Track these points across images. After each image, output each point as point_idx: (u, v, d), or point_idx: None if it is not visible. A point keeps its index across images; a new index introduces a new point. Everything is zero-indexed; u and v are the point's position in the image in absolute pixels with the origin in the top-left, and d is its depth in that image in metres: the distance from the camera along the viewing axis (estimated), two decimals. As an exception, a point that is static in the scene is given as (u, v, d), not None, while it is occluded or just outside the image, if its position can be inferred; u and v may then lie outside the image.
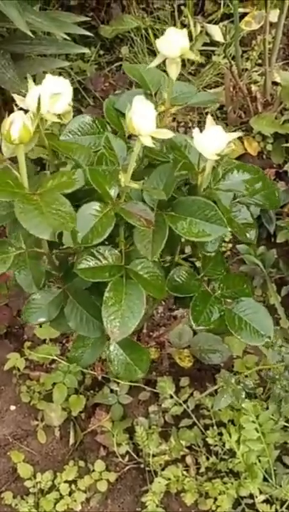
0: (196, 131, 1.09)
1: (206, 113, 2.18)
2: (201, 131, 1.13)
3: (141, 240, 1.18)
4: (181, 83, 1.35)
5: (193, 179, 1.21)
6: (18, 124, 1.00)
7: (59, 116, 1.22)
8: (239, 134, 1.17)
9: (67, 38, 1.84)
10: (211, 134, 1.08)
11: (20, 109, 1.07)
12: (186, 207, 1.18)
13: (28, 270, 1.24)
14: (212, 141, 1.08)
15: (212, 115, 2.19)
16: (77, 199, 1.17)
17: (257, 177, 1.23)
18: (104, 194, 1.14)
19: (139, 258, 1.23)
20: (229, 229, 1.17)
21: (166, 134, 1.09)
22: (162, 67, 1.24)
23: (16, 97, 1.13)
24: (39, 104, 1.05)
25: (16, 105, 1.10)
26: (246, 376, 1.67)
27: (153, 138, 1.08)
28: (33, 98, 1.09)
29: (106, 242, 1.23)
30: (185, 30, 1.17)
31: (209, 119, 1.11)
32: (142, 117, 1.05)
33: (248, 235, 1.28)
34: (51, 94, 1.12)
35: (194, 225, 1.17)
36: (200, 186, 1.18)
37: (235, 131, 2.14)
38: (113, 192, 1.15)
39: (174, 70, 1.18)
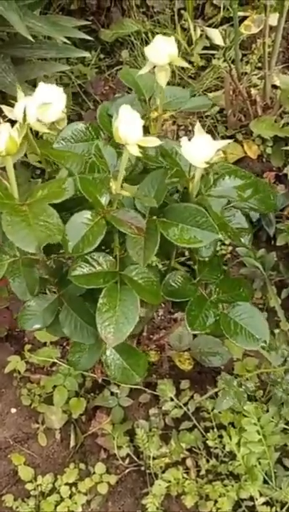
0: (184, 139, 1.09)
1: (207, 116, 2.19)
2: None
3: (133, 246, 1.18)
4: (174, 88, 1.36)
5: (184, 186, 1.22)
6: (3, 137, 1.01)
7: (53, 123, 1.23)
8: (228, 141, 1.17)
9: (68, 42, 1.84)
10: (198, 143, 1.08)
11: (9, 120, 1.08)
12: (177, 213, 1.18)
13: (22, 278, 1.25)
14: (200, 149, 1.08)
15: (212, 118, 2.20)
16: (69, 208, 1.18)
17: (249, 182, 1.23)
18: (95, 202, 1.14)
19: (134, 264, 1.23)
20: (220, 235, 1.17)
21: (154, 142, 1.10)
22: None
23: (3, 108, 1.14)
24: (25, 115, 1.06)
25: (4, 116, 1.11)
26: (247, 379, 1.68)
27: (141, 146, 1.09)
28: (20, 109, 1.09)
29: (103, 247, 1.24)
30: (173, 38, 1.17)
31: (198, 127, 1.12)
32: (128, 126, 1.05)
33: (242, 239, 1.28)
34: (40, 104, 1.12)
35: (186, 231, 1.17)
36: (191, 193, 1.19)
37: (235, 134, 2.15)
38: (104, 200, 1.15)
39: (163, 78, 1.18)
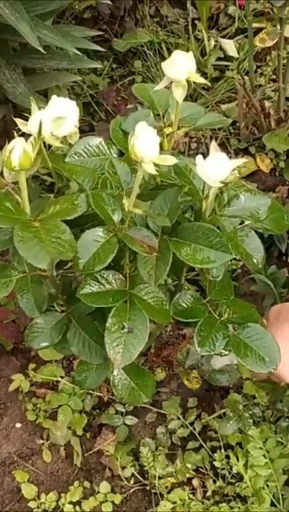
0: (199, 158, 1.06)
1: (219, 129, 2.17)
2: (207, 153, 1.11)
3: (144, 266, 1.15)
4: (189, 104, 1.32)
5: (198, 204, 1.19)
6: (18, 151, 0.99)
7: (65, 137, 1.20)
8: (244, 160, 1.14)
9: (79, 53, 1.82)
10: (214, 162, 1.05)
11: (22, 134, 1.05)
12: (190, 233, 1.15)
13: (30, 294, 1.22)
14: (215, 168, 1.05)
15: (224, 131, 2.17)
16: (81, 224, 1.16)
17: (264, 202, 1.20)
18: (107, 220, 1.11)
19: (144, 283, 1.20)
20: (233, 256, 1.15)
21: (170, 161, 1.07)
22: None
23: (17, 121, 1.11)
24: (40, 130, 1.03)
25: (18, 130, 1.09)
26: (254, 396, 1.65)
27: (156, 164, 1.06)
28: (35, 123, 1.07)
29: (112, 264, 1.21)
30: (191, 53, 1.14)
31: (213, 145, 1.09)
32: (145, 144, 1.03)
33: (254, 260, 1.25)
34: (54, 118, 1.10)
35: (198, 251, 1.14)
36: (205, 212, 1.16)
37: (247, 147, 2.13)
38: (116, 217, 1.13)
39: (180, 93, 1.15)
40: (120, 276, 1.20)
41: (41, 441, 1.72)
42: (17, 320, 1.83)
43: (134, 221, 1.17)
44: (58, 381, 1.77)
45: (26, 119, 1.14)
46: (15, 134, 1.03)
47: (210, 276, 1.26)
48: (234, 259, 1.92)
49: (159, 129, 1.27)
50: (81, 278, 1.21)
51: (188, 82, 1.16)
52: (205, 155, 1.09)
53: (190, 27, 2.33)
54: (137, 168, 1.11)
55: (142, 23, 2.37)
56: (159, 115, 1.30)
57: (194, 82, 1.17)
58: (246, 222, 1.22)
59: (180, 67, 1.12)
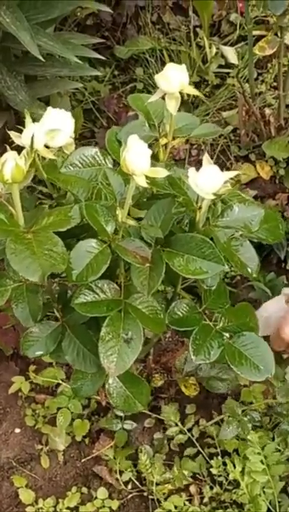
0: (191, 170, 1.07)
1: (220, 136, 2.17)
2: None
3: (138, 276, 1.16)
4: (184, 114, 1.33)
5: (191, 215, 1.20)
6: (10, 165, 1.00)
7: (60, 148, 1.21)
8: (236, 172, 1.14)
9: (79, 61, 1.82)
10: (206, 174, 1.07)
11: (13, 148, 1.06)
12: (183, 243, 1.16)
13: (25, 303, 1.23)
14: (207, 181, 1.06)
15: (225, 138, 2.18)
16: (76, 234, 1.17)
17: (257, 213, 1.21)
18: (100, 231, 1.13)
19: (138, 292, 1.21)
20: (226, 267, 1.16)
21: (162, 173, 1.08)
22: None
23: (11, 134, 1.12)
24: (32, 143, 1.05)
25: (12, 143, 1.10)
26: (251, 403, 1.65)
27: (148, 177, 1.07)
28: (28, 135, 1.08)
29: (107, 273, 1.22)
30: (184, 65, 1.15)
31: (206, 157, 1.10)
32: (136, 157, 1.04)
33: (249, 269, 1.26)
34: (48, 131, 1.11)
35: (191, 262, 1.15)
36: (198, 223, 1.17)
37: (248, 154, 2.13)
38: (110, 228, 1.14)
39: (173, 105, 1.16)
40: (115, 285, 1.22)
41: (40, 447, 1.73)
42: (17, 326, 1.84)
43: (129, 231, 1.19)
44: (57, 387, 1.78)
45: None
46: (7, 147, 1.05)
47: (204, 285, 1.27)
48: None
49: (154, 140, 1.28)
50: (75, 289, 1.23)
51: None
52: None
53: (192, 34, 2.33)
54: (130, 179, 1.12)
55: (144, 30, 2.38)
56: (154, 125, 1.31)
57: (196, 89, 1.18)
58: (240, 233, 1.23)
59: (173, 79, 1.14)
